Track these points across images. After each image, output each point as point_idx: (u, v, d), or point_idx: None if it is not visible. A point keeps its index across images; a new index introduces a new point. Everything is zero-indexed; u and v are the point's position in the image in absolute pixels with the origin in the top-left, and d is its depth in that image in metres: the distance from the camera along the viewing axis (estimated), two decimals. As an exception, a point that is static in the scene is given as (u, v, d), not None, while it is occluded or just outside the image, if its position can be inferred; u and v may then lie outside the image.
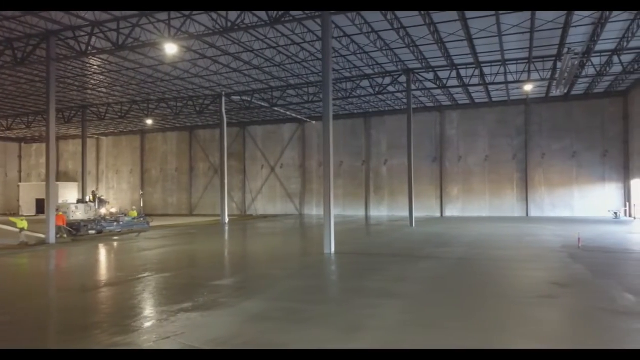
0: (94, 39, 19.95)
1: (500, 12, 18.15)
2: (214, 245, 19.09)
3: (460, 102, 35.78)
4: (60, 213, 23.13)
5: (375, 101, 35.46)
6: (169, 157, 47.50)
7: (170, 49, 18.63)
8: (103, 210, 26.36)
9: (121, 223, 24.20)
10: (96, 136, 49.23)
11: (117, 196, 49.35)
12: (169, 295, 9.76)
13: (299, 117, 39.51)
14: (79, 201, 29.13)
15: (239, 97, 32.36)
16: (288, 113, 37.72)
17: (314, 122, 41.39)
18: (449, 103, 35.83)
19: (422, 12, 18.09)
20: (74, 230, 22.30)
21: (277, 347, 6.15)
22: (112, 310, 8.75)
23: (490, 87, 30.72)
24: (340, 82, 28.88)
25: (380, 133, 39.78)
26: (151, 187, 48.12)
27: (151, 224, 26.52)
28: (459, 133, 37.09)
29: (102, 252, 17.51)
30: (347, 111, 39.20)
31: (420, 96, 33.67)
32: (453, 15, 18.61)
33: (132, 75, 26.73)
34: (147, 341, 6.58)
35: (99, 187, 50.07)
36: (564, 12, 18.36)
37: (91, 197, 28.47)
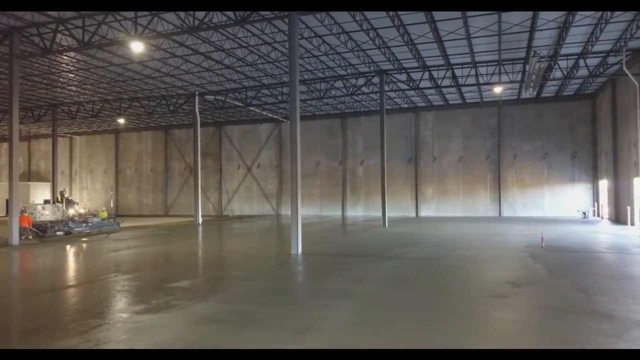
0: (59, 36, 19.59)
1: (468, 15, 18.38)
2: (181, 247, 18.85)
3: (434, 104, 36.15)
4: (26, 214, 22.62)
5: (350, 102, 35.57)
6: (144, 157, 46.83)
7: (137, 47, 18.34)
8: (71, 211, 25.84)
9: (90, 224, 23.74)
10: (69, 135, 48.26)
11: (90, 196, 48.48)
12: (123, 298, 9.60)
13: (275, 117, 39.40)
14: (46, 202, 28.46)
15: (212, 97, 32.09)
16: (264, 113, 37.61)
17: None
18: (423, 104, 36.17)
19: (391, 14, 18.19)
20: (41, 232, 21.82)
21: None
22: (60, 314, 8.54)
23: (463, 89, 31.13)
24: (314, 83, 28.86)
25: (356, 134, 39.94)
26: (126, 187, 47.38)
27: (122, 225, 26.13)
28: (434, 134, 37.47)
29: (65, 254, 17.12)
30: (324, 111, 39.27)
31: (394, 97, 33.91)
32: (421, 16, 18.75)
33: (101, 74, 26.26)
34: (85, 345, 6.42)
35: (72, 187, 49.13)
36: (530, 16, 18.70)
37: (59, 198, 27.83)
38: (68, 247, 18.89)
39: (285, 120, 40.78)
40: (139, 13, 17.43)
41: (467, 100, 34.99)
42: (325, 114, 39.96)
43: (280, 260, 14.60)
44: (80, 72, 25.89)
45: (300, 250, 15.54)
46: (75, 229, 22.85)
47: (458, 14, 18.18)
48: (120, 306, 8.85)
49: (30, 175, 50.24)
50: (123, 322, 7.63)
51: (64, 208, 25.86)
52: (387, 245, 17.74)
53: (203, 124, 43.44)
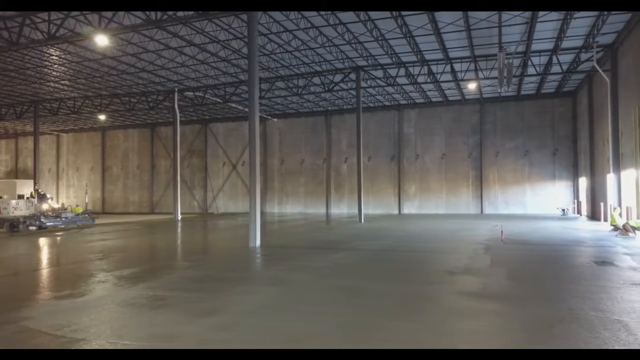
0: (28, 29, 19.60)
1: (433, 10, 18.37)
2: (147, 240, 18.89)
3: (417, 101, 36.15)
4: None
5: (333, 99, 35.58)
6: (131, 155, 46.87)
7: (102, 40, 18.34)
8: (45, 206, 25.85)
9: (63, 219, 23.77)
10: (56, 133, 48.30)
11: (77, 194, 48.44)
12: (56, 284, 9.65)
13: (259, 114, 39.32)
14: (19, 197, 28.54)
15: (192, 93, 32.12)
16: (247, 110, 37.51)
17: (275, 120, 41.41)
18: (405, 102, 36.19)
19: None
20: (15, 227, 21.87)
21: (112, 331, 6.12)
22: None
23: (444, 86, 31.14)
24: (291, 79, 28.88)
25: (340, 131, 39.96)
26: (112, 184, 47.42)
27: (98, 221, 26.16)
28: (417, 131, 37.48)
29: (26, 246, 17.11)
30: (308, 109, 39.30)
31: (376, 94, 33.95)
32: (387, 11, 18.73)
33: (77, 69, 26.29)
34: (-13, 326, 6.46)
35: (59, 185, 49.20)
36: (495, 11, 18.70)
37: (32, 193, 27.90)
38: (33, 240, 18.90)
39: (269, 117, 40.87)
40: (103, 6, 17.45)
41: (449, 98, 34.99)
42: (310, 112, 40.01)
43: (234, 252, 14.62)
44: (55, 67, 25.92)
45: (258, 243, 15.56)
46: (47, 224, 22.85)
47: (422, 8, 18.16)
48: (49, 291, 8.88)
49: (18, 173, 50.30)
50: (40, 305, 7.67)
51: (36, 203, 25.84)
52: (350, 238, 17.77)
53: (188, 121, 43.63)
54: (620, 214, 20.21)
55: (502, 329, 6.09)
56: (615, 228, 18.46)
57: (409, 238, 17.77)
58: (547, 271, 10.22)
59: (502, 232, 16.65)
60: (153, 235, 21.08)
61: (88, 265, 12.19)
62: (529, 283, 8.94)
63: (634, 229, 17.17)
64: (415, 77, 27.32)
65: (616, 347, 5.24)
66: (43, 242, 18.41)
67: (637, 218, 18.69)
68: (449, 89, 31.90)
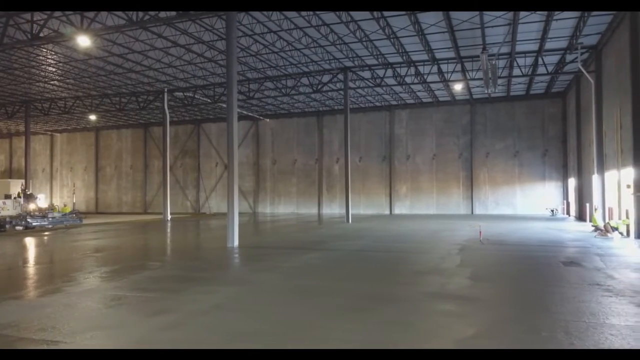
0: (12, 29, 19.66)
1: (415, 11, 18.43)
2: (130, 240, 18.93)
3: (408, 102, 36.20)
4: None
5: (323, 99, 35.63)
6: (124, 155, 46.96)
7: (83, 41, 18.40)
8: (32, 206, 25.92)
9: (50, 219, 23.84)
10: (50, 133, 48.37)
11: (70, 194, 48.52)
12: (21, 283, 9.72)
13: (252, 114, 39.50)
14: (7, 197, 28.61)
15: (181, 94, 32.19)
16: (238, 110, 37.58)
17: (267, 120, 41.47)
18: (396, 102, 36.24)
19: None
20: (1, 227, 21.91)
21: (56, 331, 6.17)
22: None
23: (434, 87, 31.20)
24: (280, 79, 28.94)
25: (332, 132, 40.01)
26: (106, 184, 47.51)
27: (85, 221, 26.22)
28: (408, 132, 37.54)
29: (7, 246, 17.13)
30: (299, 109, 39.37)
31: (366, 95, 34.01)
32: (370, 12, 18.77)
33: (65, 69, 26.37)
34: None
35: (52, 185, 49.29)
36: (477, 12, 18.75)
37: (19, 193, 28.00)
38: (17, 240, 18.95)
39: (261, 118, 40.93)
40: (85, 7, 17.51)
41: (440, 99, 35.04)
42: (301, 112, 40.08)
43: (211, 252, 14.69)
44: (43, 67, 25.99)
45: (236, 243, 15.63)
46: (33, 224, 22.91)
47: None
48: (11, 290, 8.92)
49: (12, 173, 50.37)
50: (-2, 304, 7.73)
51: (22, 203, 25.92)
52: (332, 239, 17.82)
53: (181, 121, 43.73)
54: (602, 215, 20.28)
55: (445, 329, 6.14)
56: (597, 228, 18.52)
57: (390, 238, 17.82)
58: (511, 272, 10.28)
59: (480, 232, 16.70)
60: (138, 236, 21.14)
61: (61, 265, 12.25)
62: (488, 284, 9.00)
63: (614, 229, 17.23)
64: (403, 77, 27.37)
65: (548, 348, 5.29)
66: (26, 242, 18.47)
67: (619, 219, 18.75)
68: (439, 89, 31.96)
